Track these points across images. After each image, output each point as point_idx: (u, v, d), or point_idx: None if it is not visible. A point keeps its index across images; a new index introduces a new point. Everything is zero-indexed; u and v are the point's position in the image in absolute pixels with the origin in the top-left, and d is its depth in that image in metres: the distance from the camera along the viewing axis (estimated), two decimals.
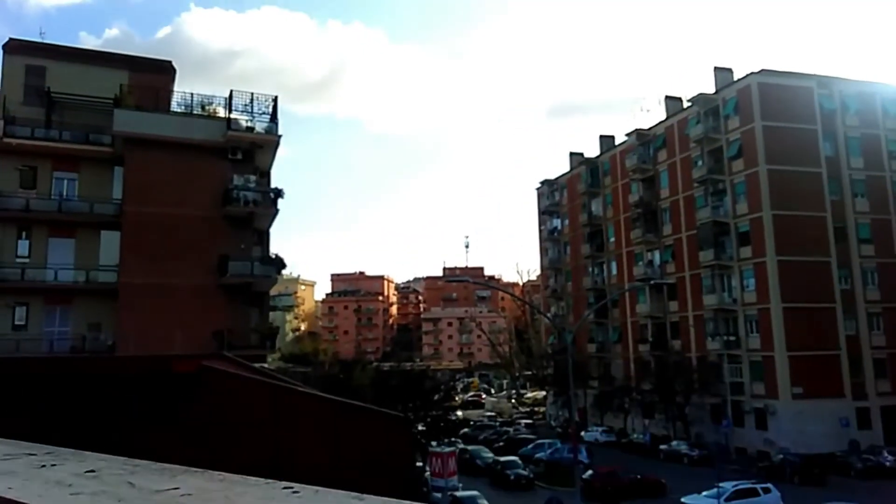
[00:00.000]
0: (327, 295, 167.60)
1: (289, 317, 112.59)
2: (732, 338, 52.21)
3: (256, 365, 21.49)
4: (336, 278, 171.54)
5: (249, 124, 31.44)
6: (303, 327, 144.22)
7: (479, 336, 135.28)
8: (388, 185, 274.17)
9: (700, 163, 55.75)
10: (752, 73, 52.03)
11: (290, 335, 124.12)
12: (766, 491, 33.07)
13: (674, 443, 51.62)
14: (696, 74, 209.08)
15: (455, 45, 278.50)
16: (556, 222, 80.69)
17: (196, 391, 12.22)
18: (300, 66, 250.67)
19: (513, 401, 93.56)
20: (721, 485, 30.75)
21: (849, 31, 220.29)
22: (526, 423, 71.09)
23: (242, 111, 31.18)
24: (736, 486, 32.63)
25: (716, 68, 56.28)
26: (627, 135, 65.78)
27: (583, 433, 56.48)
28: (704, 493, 32.41)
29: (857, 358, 50.01)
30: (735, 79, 54.10)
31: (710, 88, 55.84)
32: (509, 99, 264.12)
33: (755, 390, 50.18)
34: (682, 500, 32.98)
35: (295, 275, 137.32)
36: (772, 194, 49.72)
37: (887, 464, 42.54)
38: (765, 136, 50.45)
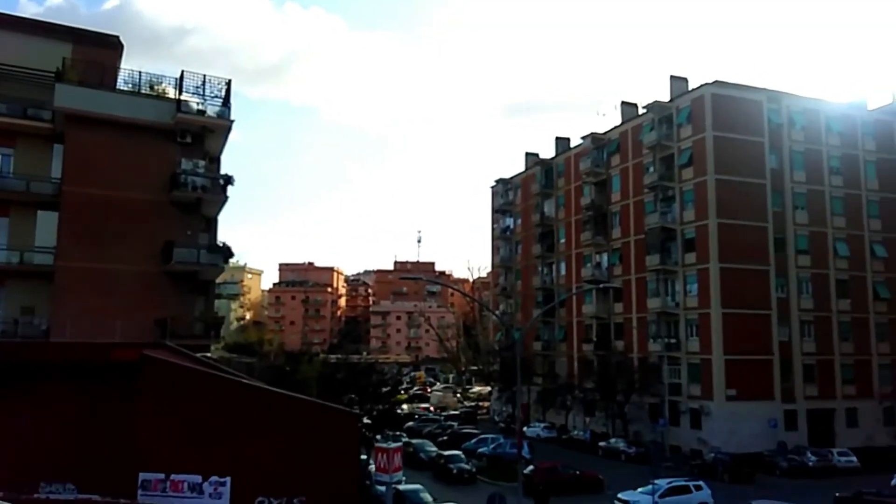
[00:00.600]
0: (275, 284, 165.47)
1: (234, 305, 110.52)
2: (673, 340, 53.61)
3: (199, 355, 21.07)
4: (284, 268, 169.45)
5: (200, 107, 30.59)
6: (248, 316, 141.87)
7: (427, 331, 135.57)
8: (342, 175, 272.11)
9: (651, 169, 56.91)
10: (705, 84, 53.33)
11: (235, 324, 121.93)
12: (698, 488, 34.20)
13: (612, 440, 52.88)
14: (654, 81, 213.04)
15: (415, 37, 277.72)
16: (509, 221, 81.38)
17: (137, 381, 11.92)
18: (255, 48, 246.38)
19: (458, 395, 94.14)
20: (656, 482, 31.61)
21: (799, 49, 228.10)
22: (465, 416, 71.69)
23: (194, 93, 30.27)
24: (670, 482, 33.67)
25: (671, 77, 57.50)
26: (583, 138, 66.69)
27: (525, 429, 57.21)
28: (640, 489, 33.28)
29: (787, 363, 51.99)
30: (689, 88, 55.40)
31: (666, 96, 57.08)
32: (468, 95, 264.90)
33: (692, 391, 51.70)
34: (619, 495, 33.77)
35: (242, 263, 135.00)
36: (718, 203, 51.14)
37: (810, 463, 44.64)
38: (715, 146, 51.80)
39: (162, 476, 11.93)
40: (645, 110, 58.73)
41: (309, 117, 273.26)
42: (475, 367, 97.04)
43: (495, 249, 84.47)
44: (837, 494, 34.89)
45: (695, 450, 48.82)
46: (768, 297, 51.88)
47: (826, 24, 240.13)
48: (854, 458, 45.67)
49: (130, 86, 30.51)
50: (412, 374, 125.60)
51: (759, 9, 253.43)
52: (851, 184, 56.56)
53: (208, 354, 28.69)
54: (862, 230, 56.42)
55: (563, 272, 69.84)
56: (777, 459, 45.22)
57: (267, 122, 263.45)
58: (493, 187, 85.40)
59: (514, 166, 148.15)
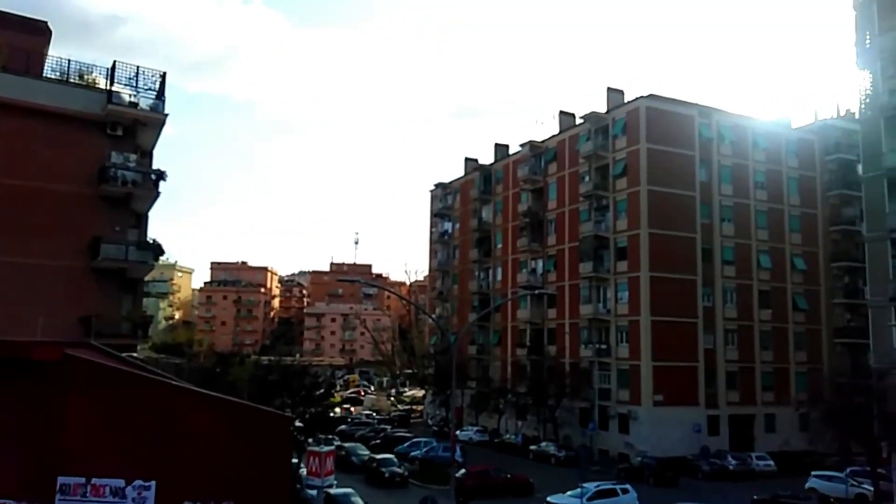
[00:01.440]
0: (206, 283, 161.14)
1: (163, 304, 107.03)
2: (604, 346, 54.91)
3: (125, 355, 20.31)
4: (216, 267, 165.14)
5: (133, 99, 29.54)
6: (178, 316, 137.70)
7: (362, 333, 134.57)
8: (280, 174, 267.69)
9: (587, 178, 58.20)
10: (641, 97, 54.95)
11: (164, 324, 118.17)
12: (625, 491, 35.15)
13: (543, 444, 53.69)
14: (592, 91, 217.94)
15: (358, 38, 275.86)
16: (448, 225, 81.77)
17: (58, 381, 11.43)
18: (192, 41, 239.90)
19: (392, 398, 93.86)
20: (584, 485, 32.30)
21: (731, 67, 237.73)
22: (398, 419, 71.64)
23: (126, 84, 29.25)
24: (598, 486, 34.46)
25: (608, 89, 58.98)
26: (521, 146, 67.65)
27: (458, 432, 57.52)
28: (569, 492, 33.93)
29: (712, 370, 54.01)
30: (625, 101, 56.98)
31: (603, 107, 58.51)
32: (410, 96, 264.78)
33: (621, 396, 53.08)
34: (548, 499, 34.35)
35: (172, 261, 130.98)
36: (650, 213, 52.75)
37: (731, 467, 46.61)
38: (648, 157, 53.42)
39: (82, 480, 11.42)
40: (582, 120, 60.08)
41: (246, 112, 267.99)
42: (410, 371, 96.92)
43: (433, 253, 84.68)
44: (755, 497, 36.57)
45: (622, 454, 50.12)
46: (695, 305, 53.79)
47: (757, 45, 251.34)
48: (771, 462, 47.88)
49: (58, 74, 29.21)
50: (346, 376, 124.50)
51: (694, 27, 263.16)
52: (775, 199, 59.24)
53: (135, 354, 27.70)
54: (783, 243, 59.15)
55: (499, 277, 70.61)
56: (700, 463, 47.01)
57: (202, 116, 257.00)
58: (432, 191, 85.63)
59: (454, 171, 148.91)
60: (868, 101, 40.81)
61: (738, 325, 56.00)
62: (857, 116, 43.93)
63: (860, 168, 43.34)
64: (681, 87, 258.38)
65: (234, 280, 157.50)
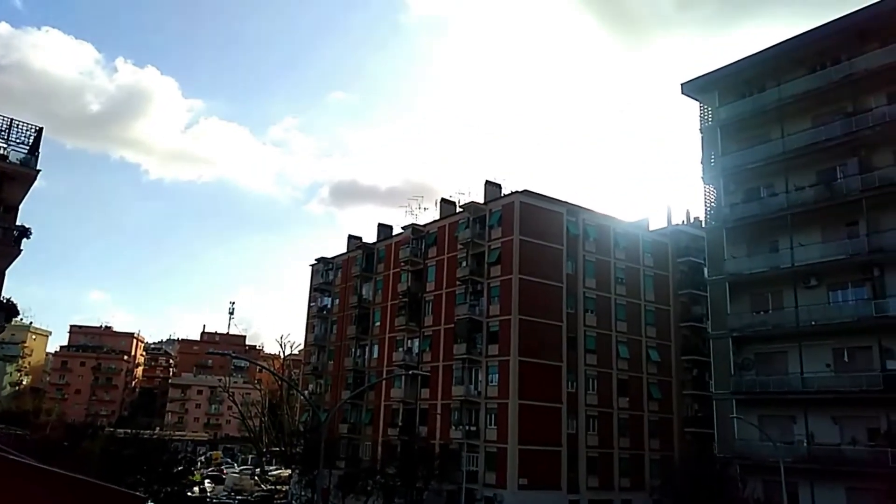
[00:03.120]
0: (62, 347, 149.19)
1: (10, 368, 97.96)
2: (473, 428, 55.79)
3: None
4: (76, 331, 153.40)
5: (3, 152, 28.52)
6: (26, 382, 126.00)
7: (230, 407, 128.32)
8: (157, 236, 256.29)
9: (464, 264, 60.40)
10: (516, 192, 58.47)
11: (9, 390, 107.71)
12: None
13: None
14: (472, 183, 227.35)
15: (245, 108, 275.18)
16: (327, 301, 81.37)
17: None
18: (76, 97, 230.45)
19: (256, 477, 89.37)
20: None
21: (597, 171, 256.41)
22: (261, 499, 68.39)
23: None
24: None
25: (487, 182, 62.40)
26: (404, 228, 69.44)
27: None
28: None
29: (574, 454, 55.94)
30: (502, 194, 60.43)
31: (481, 199, 61.67)
32: (297, 169, 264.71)
33: (488, 479, 53.72)
34: None
35: (28, 322, 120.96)
36: (521, 300, 55.25)
37: None
38: (521, 248, 56.35)
39: None
40: (462, 209, 62.91)
41: (128, 173, 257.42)
42: (278, 449, 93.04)
43: (310, 328, 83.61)
44: None
45: None
46: (560, 390, 56.07)
47: (621, 153, 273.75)
48: None
49: None
50: (209, 453, 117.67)
51: (569, 137, 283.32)
52: (633, 294, 63.66)
53: None
54: (640, 336, 63.27)
55: (375, 355, 70.63)
56: None
57: (81, 174, 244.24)
58: (313, 266, 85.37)
59: (337, 247, 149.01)
60: (712, 212, 45.82)
61: (599, 411, 58.71)
62: (703, 225, 48.95)
63: (706, 271, 48.14)
64: (553, 185, 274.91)
65: (95, 345, 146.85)
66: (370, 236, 77.81)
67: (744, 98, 45.34)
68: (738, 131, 45.19)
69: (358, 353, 72.52)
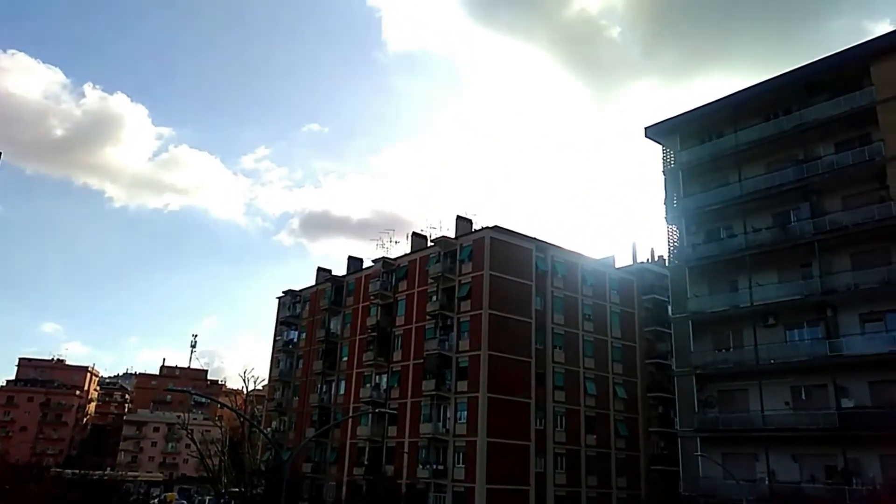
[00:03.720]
0: (9, 382, 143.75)
1: None
2: (441, 467, 55.33)
3: None
4: (26, 364, 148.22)
5: None
6: None
7: (187, 445, 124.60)
8: (118, 265, 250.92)
9: (434, 298, 60.69)
10: (486, 228, 59.33)
11: None
12: None
13: None
14: (443, 217, 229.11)
15: (217, 137, 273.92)
16: (293, 334, 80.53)
17: None
18: (40, 121, 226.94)
19: None
20: None
21: (566, 208, 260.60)
22: None
23: None
24: None
25: (458, 217, 63.11)
26: (374, 261, 69.60)
27: None
28: None
29: (542, 493, 55.80)
30: (473, 229, 61.19)
31: (452, 233, 62.31)
32: (268, 199, 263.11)
33: None
34: None
35: None
36: (490, 336, 55.59)
37: None
38: (490, 283, 57.00)
39: None
40: (433, 244, 63.46)
41: (94, 202, 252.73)
42: (237, 489, 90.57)
43: (275, 362, 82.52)
44: None
45: None
46: (528, 428, 56.14)
47: (589, 192, 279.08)
48: None
49: None
50: (163, 494, 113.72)
51: (538, 173, 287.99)
52: (600, 330, 64.60)
53: None
54: (607, 372, 64.02)
55: (342, 391, 69.94)
56: None
57: (44, 202, 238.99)
58: (280, 298, 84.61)
59: (306, 280, 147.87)
60: (675, 251, 47.20)
61: (567, 448, 58.73)
62: (667, 264, 50.30)
63: (670, 309, 49.31)
64: (523, 221, 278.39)
65: (45, 380, 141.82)
66: (340, 269, 77.80)
67: (703, 143, 47.29)
68: (698, 174, 46.96)
69: (324, 389, 71.71)
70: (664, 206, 48.04)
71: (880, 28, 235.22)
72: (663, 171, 48.85)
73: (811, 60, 42.12)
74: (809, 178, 40.65)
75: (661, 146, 49.62)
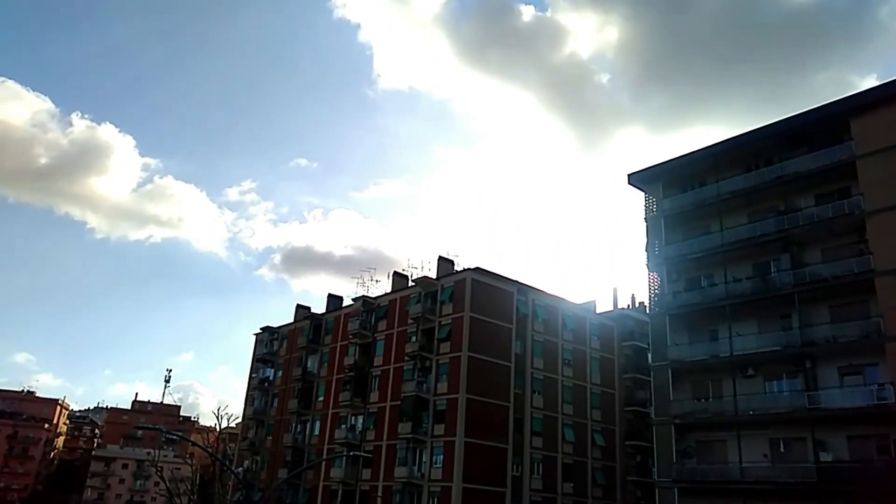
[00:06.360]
0: None
1: None
2: None
3: None
4: None
5: None
6: None
7: (157, 483, 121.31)
8: (95, 297, 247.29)
9: (414, 339, 60.03)
10: (468, 269, 59.12)
11: None
12: None
13: None
14: (425, 257, 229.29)
15: (204, 168, 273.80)
16: (269, 372, 79.18)
17: None
18: (25, 149, 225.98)
19: None
20: None
21: (547, 253, 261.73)
22: None
23: None
24: None
25: (440, 258, 62.96)
26: (354, 299, 68.98)
27: None
28: None
29: None
30: (454, 270, 60.96)
31: (434, 274, 62.04)
32: (251, 233, 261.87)
33: None
34: None
35: None
36: (469, 379, 54.84)
37: None
38: (471, 325, 56.48)
39: None
40: (413, 283, 63.06)
41: (75, 232, 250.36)
42: None
43: (250, 400, 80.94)
44: None
45: None
46: (505, 474, 55.02)
47: (570, 237, 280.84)
48: None
49: None
50: None
51: (520, 217, 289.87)
52: (579, 376, 64.00)
53: None
54: (586, 419, 63.24)
55: (317, 431, 68.50)
56: None
57: (23, 230, 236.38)
58: (257, 335, 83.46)
59: (285, 316, 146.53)
60: (656, 299, 47.02)
61: (543, 496, 57.51)
62: (647, 310, 50.14)
63: (650, 356, 48.93)
64: (504, 264, 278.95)
65: (13, 411, 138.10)
66: (320, 306, 76.94)
67: (686, 191, 47.57)
68: (680, 222, 47.14)
69: (298, 429, 70.23)
70: (646, 253, 48.04)
71: (867, 82, 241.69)
72: (645, 219, 49.01)
73: (794, 113, 42.81)
74: (790, 229, 40.88)
75: (643, 193, 49.86)
